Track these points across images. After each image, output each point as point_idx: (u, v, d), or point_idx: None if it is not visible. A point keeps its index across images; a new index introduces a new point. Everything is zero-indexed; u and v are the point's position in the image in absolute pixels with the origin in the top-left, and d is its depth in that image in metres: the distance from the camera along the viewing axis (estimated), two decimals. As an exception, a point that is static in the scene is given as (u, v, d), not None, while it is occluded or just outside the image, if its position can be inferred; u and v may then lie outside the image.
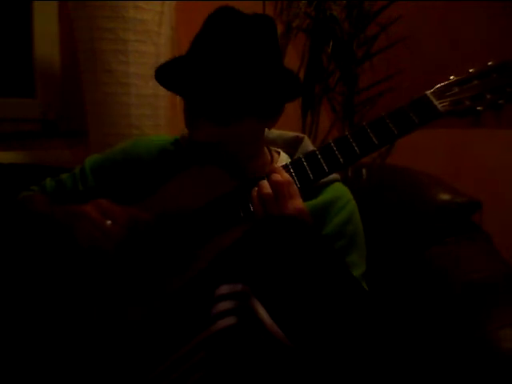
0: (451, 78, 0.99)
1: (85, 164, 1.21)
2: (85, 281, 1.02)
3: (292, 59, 2.02)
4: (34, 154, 1.73)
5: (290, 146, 1.20)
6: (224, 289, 0.89)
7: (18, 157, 1.66)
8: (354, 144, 0.97)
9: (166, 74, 1.05)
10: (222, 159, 1.06)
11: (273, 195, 0.95)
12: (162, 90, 1.29)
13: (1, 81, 1.84)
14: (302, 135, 1.21)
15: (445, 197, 1.38)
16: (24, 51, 1.89)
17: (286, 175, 0.97)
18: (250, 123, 1.04)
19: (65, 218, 1.03)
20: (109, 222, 1.00)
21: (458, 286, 1.22)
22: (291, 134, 1.23)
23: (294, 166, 1.01)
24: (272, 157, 1.17)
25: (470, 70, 0.99)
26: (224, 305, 0.88)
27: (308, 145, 1.18)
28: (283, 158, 1.16)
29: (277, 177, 0.96)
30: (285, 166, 1.01)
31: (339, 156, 0.97)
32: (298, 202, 0.96)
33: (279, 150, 1.19)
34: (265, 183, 0.97)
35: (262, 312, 0.83)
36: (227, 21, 1.00)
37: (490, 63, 0.98)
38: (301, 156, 1.01)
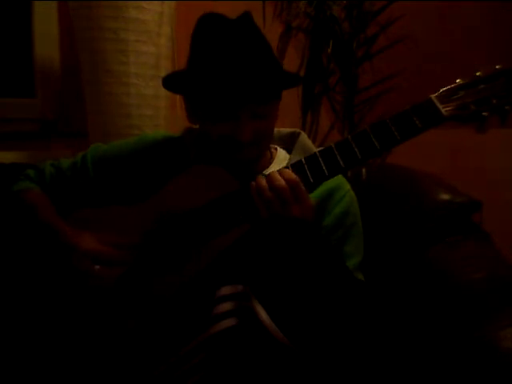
0: (457, 81, 0.94)
1: (87, 153, 1.21)
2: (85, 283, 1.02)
3: (292, 59, 2.02)
4: (33, 154, 1.73)
5: (287, 142, 1.20)
6: (225, 290, 0.89)
7: (18, 157, 1.65)
8: (355, 149, 0.96)
9: (198, 85, 1.04)
10: (234, 159, 1.05)
11: (274, 196, 0.94)
12: (162, 91, 1.29)
13: (1, 81, 1.84)
14: (298, 130, 1.21)
15: (445, 197, 1.38)
16: (24, 51, 1.88)
17: (282, 179, 0.96)
18: (275, 109, 1.08)
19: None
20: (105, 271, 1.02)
21: (458, 285, 1.22)
22: (287, 129, 1.23)
23: (295, 168, 1.00)
24: (271, 153, 1.17)
25: (477, 74, 0.94)
26: (224, 306, 0.88)
27: (305, 139, 1.18)
28: (281, 154, 1.17)
29: (280, 180, 0.95)
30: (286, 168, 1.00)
31: (340, 161, 0.96)
32: (305, 205, 0.95)
33: (276, 146, 1.20)
34: (263, 183, 0.96)
35: (263, 313, 0.83)
36: (224, 24, 1.01)
37: (497, 67, 0.93)
38: (302, 159, 1.00)
